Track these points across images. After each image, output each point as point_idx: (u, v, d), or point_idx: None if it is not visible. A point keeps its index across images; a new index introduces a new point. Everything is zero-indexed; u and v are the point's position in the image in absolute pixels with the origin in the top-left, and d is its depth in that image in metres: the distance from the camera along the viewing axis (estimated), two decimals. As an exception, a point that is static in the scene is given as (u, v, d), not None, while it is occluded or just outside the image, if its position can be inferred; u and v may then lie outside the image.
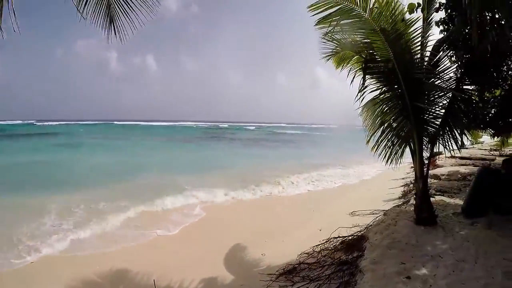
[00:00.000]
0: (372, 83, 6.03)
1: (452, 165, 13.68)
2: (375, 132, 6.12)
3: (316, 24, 5.31)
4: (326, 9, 5.09)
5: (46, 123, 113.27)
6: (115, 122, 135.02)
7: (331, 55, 6.59)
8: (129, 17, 4.39)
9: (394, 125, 6.02)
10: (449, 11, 6.54)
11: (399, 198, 10.67)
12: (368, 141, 6.14)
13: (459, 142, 6.00)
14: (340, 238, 6.54)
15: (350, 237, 6.45)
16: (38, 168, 19.65)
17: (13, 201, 11.14)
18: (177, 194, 12.00)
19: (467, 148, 22.41)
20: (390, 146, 6.12)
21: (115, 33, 4.55)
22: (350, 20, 5.31)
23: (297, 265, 5.96)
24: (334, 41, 6.11)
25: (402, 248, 4.94)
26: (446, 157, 14.74)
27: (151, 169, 18.48)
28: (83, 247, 7.69)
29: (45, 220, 9.12)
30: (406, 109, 5.69)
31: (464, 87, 6.06)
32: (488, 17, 5.26)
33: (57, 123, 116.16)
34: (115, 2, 4.30)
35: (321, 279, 5.18)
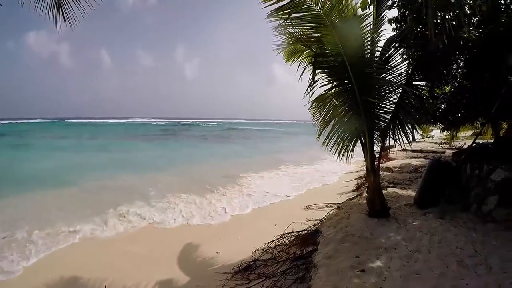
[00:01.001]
0: (323, 77, 5.96)
1: (404, 158, 14.10)
2: (326, 127, 6.14)
3: (267, 17, 5.19)
4: (278, 1, 4.96)
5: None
6: (67, 120, 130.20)
7: (282, 48, 6.56)
8: (78, 1, 4.16)
9: (345, 119, 6.04)
10: (402, 10, 6.66)
11: (353, 191, 10.83)
12: (318, 136, 6.15)
13: (410, 136, 6.09)
14: (295, 233, 6.50)
15: (304, 232, 6.41)
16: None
17: None
18: (125, 198, 11.38)
19: (418, 142, 23.28)
20: (341, 142, 6.15)
21: (64, 20, 4.30)
22: (302, 13, 5.23)
23: (252, 262, 5.87)
24: (286, 35, 6.05)
25: (356, 241, 4.95)
26: (397, 150, 15.12)
27: (99, 172, 17.70)
28: (29, 256, 7.27)
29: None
30: (356, 104, 5.72)
31: (415, 82, 6.14)
32: (439, 17, 5.34)
33: (6, 122, 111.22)
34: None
35: (276, 275, 5.11)
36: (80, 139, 44.77)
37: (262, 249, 6.37)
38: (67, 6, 4.25)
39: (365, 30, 5.54)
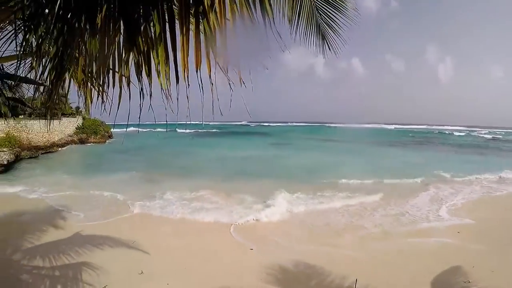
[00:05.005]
0: None
1: None
2: None
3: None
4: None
5: (253, 124, 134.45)
6: (326, 125, 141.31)
7: None
8: (336, 32, 4.68)
9: None
10: None
11: None
12: None
13: None
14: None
15: None
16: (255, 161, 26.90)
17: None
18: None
19: None
20: None
21: (329, 49, 4.87)
22: None
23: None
24: None
25: None
26: None
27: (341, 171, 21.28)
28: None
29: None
30: None
31: None
32: None
33: (269, 124, 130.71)
34: (323, 21, 4.58)
35: None
36: (337, 142, 48.48)
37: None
38: (329, 37, 4.76)
39: None
